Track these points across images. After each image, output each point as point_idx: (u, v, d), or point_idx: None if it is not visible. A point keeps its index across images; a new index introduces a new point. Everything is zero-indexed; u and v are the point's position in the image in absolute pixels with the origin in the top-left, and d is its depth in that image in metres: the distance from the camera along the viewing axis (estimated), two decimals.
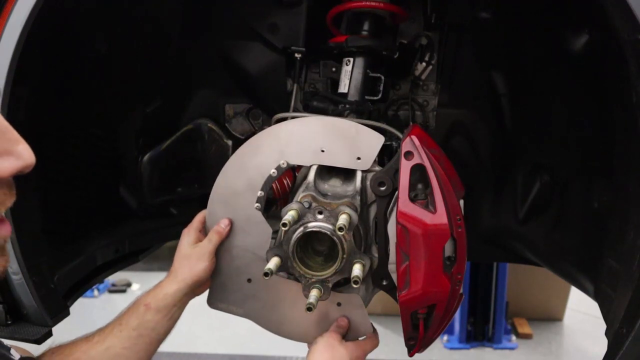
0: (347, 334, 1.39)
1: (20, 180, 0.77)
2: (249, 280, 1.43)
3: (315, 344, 1.32)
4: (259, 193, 1.36)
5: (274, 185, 1.43)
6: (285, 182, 1.48)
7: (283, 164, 1.34)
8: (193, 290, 1.39)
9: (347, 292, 1.39)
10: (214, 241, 1.38)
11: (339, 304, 1.40)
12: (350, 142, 1.31)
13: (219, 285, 1.46)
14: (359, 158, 1.31)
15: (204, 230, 1.43)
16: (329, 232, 1.27)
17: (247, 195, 1.37)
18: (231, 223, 1.39)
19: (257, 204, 1.37)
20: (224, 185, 1.39)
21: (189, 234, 1.42)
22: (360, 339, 1.40)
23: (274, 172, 1.35)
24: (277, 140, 1.35)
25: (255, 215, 1.37)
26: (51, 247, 1.49)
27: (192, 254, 1.38)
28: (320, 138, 1.33)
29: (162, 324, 1.34)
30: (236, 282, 1.44)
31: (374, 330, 1.43)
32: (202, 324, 3.92)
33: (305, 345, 1.41)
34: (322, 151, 1.32)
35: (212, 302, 1.47)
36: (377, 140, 1.31)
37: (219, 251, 1.41)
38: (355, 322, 1.40)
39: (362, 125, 1.32)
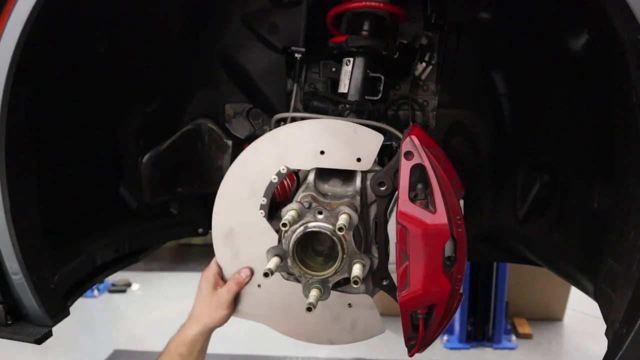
0: (361, 335, 1.41)
1: (20, 180, 0.78)
2: (259, 286, 1.44)
3: None
4: (262, 200, 1.36)
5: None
6: (286, 183, 1.48)
7: (283, 169, 1.34)
8: (213, 330, 1.48)
9: (348, 292, 1.39)
10: (232, 292, 1.44)
11: (349, 305, 1.40)
12: (349, 143, 1.31)
13: None
14: (359, 159, 1.31)
15: (221, 273, 1.48)
16: (329, 232, 1.27)
17: (251, 202, 1.37)
18: (252, 272, 1.44)
19: (260, 211, 1.37)
20: (227, 194, 1.40)
21: (207, 280, 1.47)
22: None
23: (274, 178, 1.35)
24: (277, 145, 1.35)
25: (259, 221, 1.38)
26: (51, 247, 1.49)
27: (211, 302, 1.45)
28: (319, 140, 1.32)
29: None
30: (247, 288, 1.46)
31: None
32: None
33: (306, 345, 1.42)
34: (322, 153, 1.32)
35: None
36: (376, 140, 1.31)
37: (229, 261, 1.44)
38: (368, 322, 1.41)
39: (360, 126, 1.32)
